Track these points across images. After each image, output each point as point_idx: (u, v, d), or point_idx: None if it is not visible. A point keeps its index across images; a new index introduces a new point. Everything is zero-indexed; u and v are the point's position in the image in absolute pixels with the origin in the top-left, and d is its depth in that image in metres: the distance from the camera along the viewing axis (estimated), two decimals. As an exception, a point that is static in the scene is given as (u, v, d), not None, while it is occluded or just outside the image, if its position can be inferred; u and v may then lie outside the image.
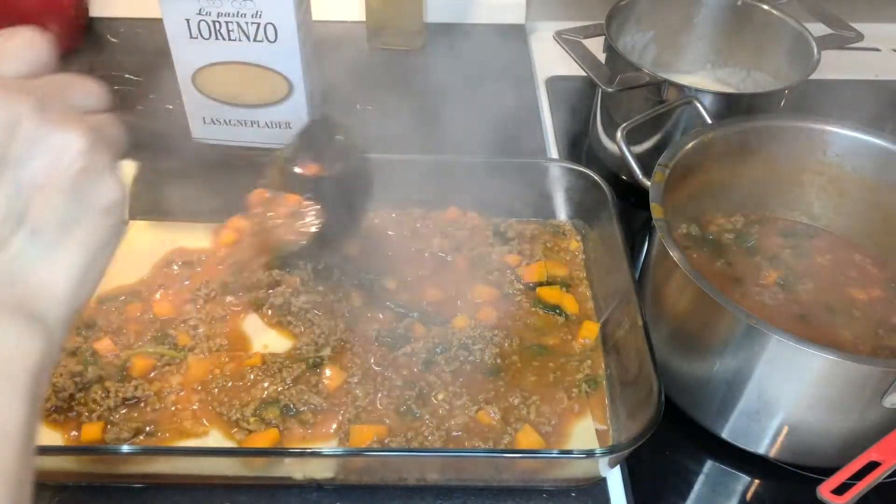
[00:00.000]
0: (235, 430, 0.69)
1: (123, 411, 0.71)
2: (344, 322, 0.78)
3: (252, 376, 0.73)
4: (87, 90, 0.41)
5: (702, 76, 1.12)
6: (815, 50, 0.95)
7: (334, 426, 0.70)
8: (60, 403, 0.70)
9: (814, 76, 0.92)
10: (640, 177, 0.79)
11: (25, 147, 0.35)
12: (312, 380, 0.73)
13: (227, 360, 0.75)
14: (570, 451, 0.67)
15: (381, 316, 0.79)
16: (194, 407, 0.71)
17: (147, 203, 0.89)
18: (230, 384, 0.73)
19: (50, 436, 0.68)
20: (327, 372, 0.74)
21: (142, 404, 0.71)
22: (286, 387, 0.72)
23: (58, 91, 0.39)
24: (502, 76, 1.24)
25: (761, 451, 0.70)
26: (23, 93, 0.36)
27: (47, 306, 0.37)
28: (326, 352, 0.76)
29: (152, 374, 0.74)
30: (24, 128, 0.35)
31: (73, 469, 0.67)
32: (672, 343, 0.73)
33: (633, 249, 0.87)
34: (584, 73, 0.94)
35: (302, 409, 0.71)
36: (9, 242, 0.36)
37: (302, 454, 0.66)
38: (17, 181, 0.35)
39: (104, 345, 0.75)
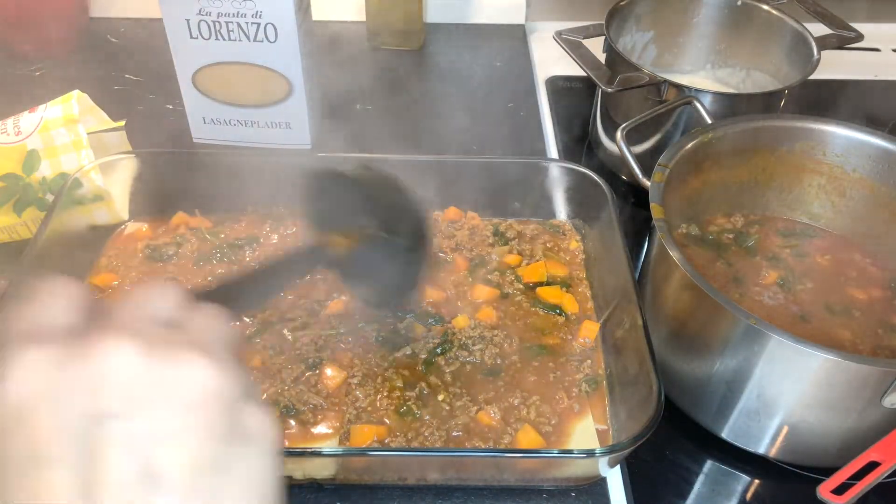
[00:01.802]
0: (235, 430, 0.69)
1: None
2: (344, 324, 0.78)
3: (251, 378, 0.73)
4: (163, 298, 0.35)
5: (702, 76, 1.12)
6: (815, 50, 0.95)
7: (335, 426, 0.70)
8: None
9: (814, 76, 0.92)
10: (640, 177, 0.79)
11: (134, 394, 0.30)
12: (312, 380, 0.73)
13: (227, 360, 0.75)
14: (570, 451, 0.67)
15: (380, 316, 0.79)
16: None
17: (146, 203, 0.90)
18: (230, 384, 0.73)
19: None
20: (327, 372, 0.74)
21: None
22: (286, 387, 0.72)
23: (138, 314, 0.34)
24: (502, 76, 1.24)
25: (761, 451, 0.70)
26: (119, 332, 0.31)
27: None
28: (326, 352, 0.76)
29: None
30: (127, 373, 0.30)
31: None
32: (672, 343, 0.74)
33: (633, 249, 0.87)
34: (584, 73, 0.94)
35: (302, 409, 0.71)
36: None
37: (302, 454, 0.65)
38: (131, 436, 0.30)
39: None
